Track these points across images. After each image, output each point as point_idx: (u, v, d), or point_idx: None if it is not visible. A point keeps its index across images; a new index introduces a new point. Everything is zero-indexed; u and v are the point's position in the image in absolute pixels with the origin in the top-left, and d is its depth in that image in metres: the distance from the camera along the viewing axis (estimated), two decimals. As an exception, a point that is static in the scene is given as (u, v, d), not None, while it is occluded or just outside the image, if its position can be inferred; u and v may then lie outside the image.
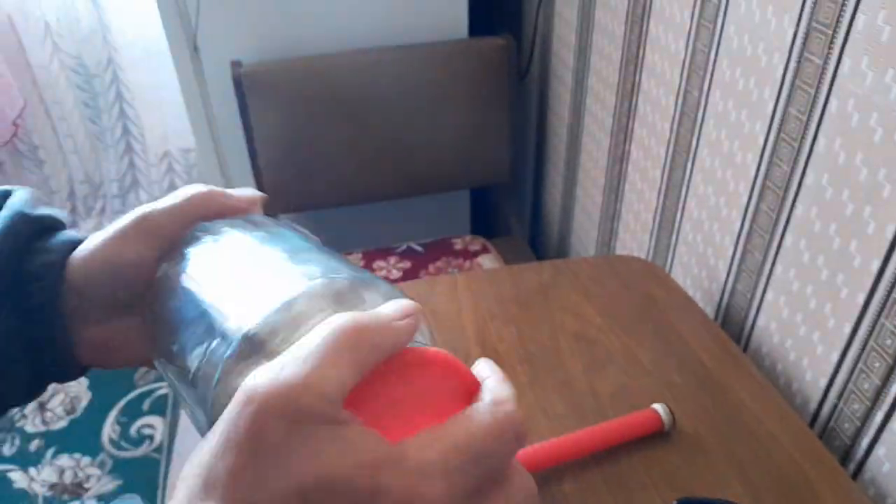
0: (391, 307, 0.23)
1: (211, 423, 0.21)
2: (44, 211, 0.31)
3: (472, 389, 0.24)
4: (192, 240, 0.29)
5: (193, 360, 0.24)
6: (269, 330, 0.22)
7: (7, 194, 0.31)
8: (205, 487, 0.19)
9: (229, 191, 0.32)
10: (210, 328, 0.24)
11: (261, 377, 0.20)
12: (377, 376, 0.21)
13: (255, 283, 0.25)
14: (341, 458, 0.19)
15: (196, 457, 0.20)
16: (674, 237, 0.92)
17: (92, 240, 0.30)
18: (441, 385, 0.23)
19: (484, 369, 0.25)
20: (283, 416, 0.19)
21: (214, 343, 0.23)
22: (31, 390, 0.31)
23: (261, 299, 0.23)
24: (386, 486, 0.19)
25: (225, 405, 0.20)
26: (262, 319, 0.22)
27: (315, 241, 0.30)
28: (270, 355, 0.21)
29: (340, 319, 0.21)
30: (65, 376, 0.31)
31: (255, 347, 0.22)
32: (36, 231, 0.30)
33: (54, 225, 0.32)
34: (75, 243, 0.31)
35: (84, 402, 1.49)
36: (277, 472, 0.19)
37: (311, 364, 0.20)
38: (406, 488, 0.20)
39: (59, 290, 0.29)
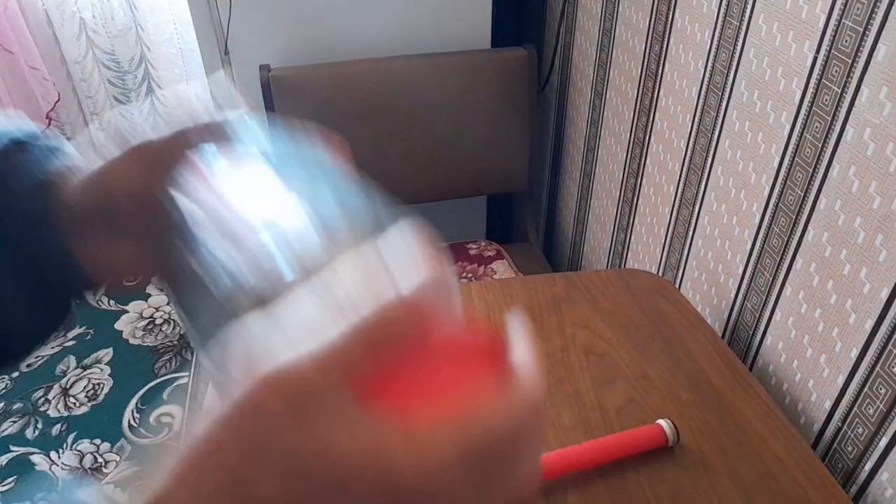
0: (414, 286, 0.22)
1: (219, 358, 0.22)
2: (34, 135, 0.32)
3: (492, 361, 0.23)
4: (199, 162, 0.30)
5: (215, 283, 0.24)
6: (286, 278, 0.23)
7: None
8: (202, 461, 0.19)
9: (224, 114, 0.32)
10: (222, 256, 0.24)
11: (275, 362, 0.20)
12: (396, 363, 0.21)
13: (261, 216, 0.25)
14: (348, 437, 0.19)
15: (198, 425, 0.20)
16: (685, 253, 0.93)
17: (88, 166, 0.31)
18: (458, 362, 0.23)
19: (514, 337, 0.24)
20: (282, 392, 0.19)
21: (230, 278, 0.23)
22: (47, 308, 0.31)
23: (275, 233, 0.23)
24: (397, 466, 0.19)
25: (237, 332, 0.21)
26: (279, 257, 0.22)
27: (325, 159, 0.31)
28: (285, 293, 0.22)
29: (362, 305, 0.21)
30: (68, 291, 0.31)
31: (272, 289, 0.23)
32: (25, 150, 0.31)
33: (44, 147, 0.32)
34: (66, 164, 0.31)
35: (106, 389, 1.54)
36: (271, 449, 0.19)
37: (325, 348, 0.20)
38: (418, 468, 0.19)
39: (53, 205, 0.30)
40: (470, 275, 1.18)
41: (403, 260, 0.23)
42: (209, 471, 0.19)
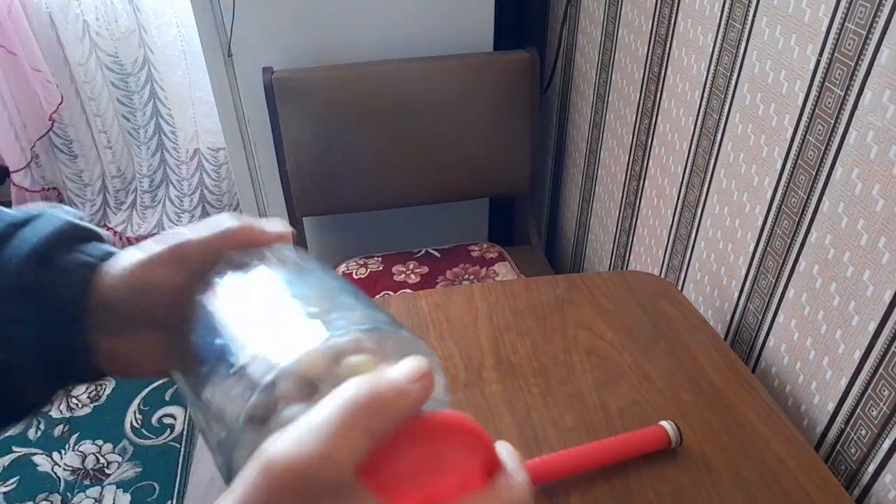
0: (405, 370, 0.23)
1: (228, 464, 0.22)
2: (89, 226, 0.33)
3: (486, 454, 0.24)
4: (224, 269, 0.31)
5: (217, 392, 0.25)
6: (290, 382, 0.23)
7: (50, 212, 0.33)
8: None
9: (262, 223, 0.33)
10: (234, 368, 0.25)
11: (278, 447, 0.21)
12: (391, 443, 0.22)
13: (279, 327, 0.26)
14: None
15: None
16: (688, 255, 0.93)
17: (126, 257, 0.32)
18: (454, 450, 0.24)
19: (502, 450, 0.25)
20: (298, 492, 0.20)
21: (238, 386, 0.24)
22: (48, 386, 0.31)
23: (284, 347, 0.24)
24: None
25: (244, 453, 0.21)
26: (282, 370, 0.23)
27: (338, 278, 0.32)
28: (289, 408, 0.23)
29: (355, 387, 0.22)
30: (80, 374, 0.32)
31: (275, 396, 0.23)
32: (80, 238, 0.32)
33: (96, 237, 0.33)
34: (110, 254, 0.32)
35: (108, 390, 1.54)
36: None
37: (325, 435, 0.21)
38: None
39: (86, 290, 0.30)
40: (472, 277, 1.18)
41: (399, 359, 0.24)
42: None
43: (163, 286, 0.31)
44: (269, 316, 0.27)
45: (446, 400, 0.27)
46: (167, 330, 0.31)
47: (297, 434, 0.21)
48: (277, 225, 0.33)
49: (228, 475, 0.24)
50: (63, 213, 0.32)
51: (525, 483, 0.25)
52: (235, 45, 1.17)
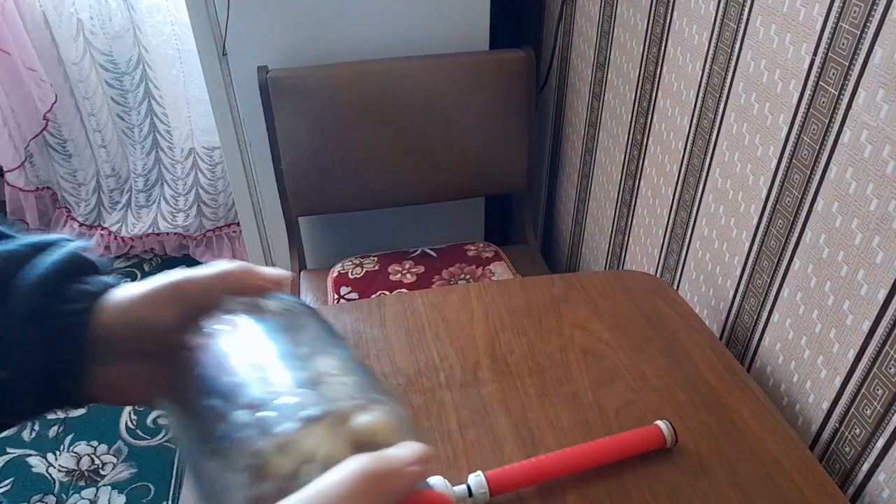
0: (406, 452, 0.25)
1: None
2: (92, 257, 0.34)
3: None
4: (222, 315, 0.31)
5: (214, 437, 0.26)
6: (282, 453, 0.24)
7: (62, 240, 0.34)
8: None
9: (261, 270, 0.34)
10: (226, 421, 0.26)
11: None
12: None
13: (270, 387, 0.27)
14: None
15: None
16: (683, 254, 0.93)
17: (126, 290, 0.33)
18: None
19: None
20: None
21: (249, 430, 0.25)
22: (34, 408, 0.32)
23: (276, 414, 0.25)
24: None
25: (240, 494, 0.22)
26: (276, 442, 0.24)
27: (331, 331, 0.32)
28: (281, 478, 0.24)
29: (359, 464, 0.23)
30: (73, 399, 0.33)
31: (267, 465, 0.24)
32: (84, 268, 0.33)
33: (100, 269, 0.35)
34: (109, 286, 0.33)
35: (103, 391, 1.53)
36: None
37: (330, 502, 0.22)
38: None
39: (87, 321, 0.31)
40: (468, 276, 1.18)
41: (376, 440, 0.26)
42: None
43: (159, 323, 0.32)
44: (264, 372, 0.28)
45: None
46: (160, 363, 0.31)
47: (306, 499, 0.22)
48: (277, 272, 0.34)
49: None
50: (73, 244, 0.34)
51: None
52: (230, 44, 1.17)
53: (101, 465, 1.37)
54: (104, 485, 1.33)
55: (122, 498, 1.31)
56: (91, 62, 1.73)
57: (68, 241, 0.34)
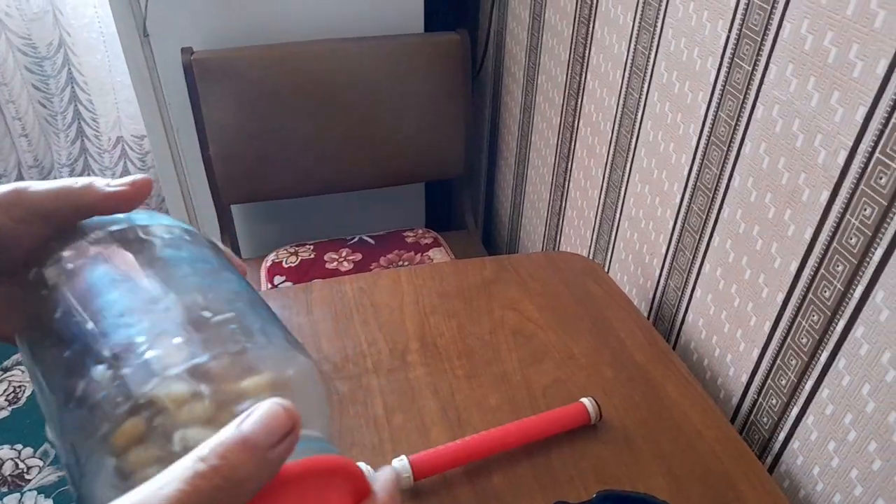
0: (265, 432, 0.20)
1: (77, 458, 0.21)
2: None
3: (355, 483, 0.24)
4: (87, 246, 0.28)
5: (78, 385, 0.23)
6: (148, 401, 0.22)
7: None
8: None
9: (105, 182, 0.30)
10: (105, 367, 0.23)
11: None
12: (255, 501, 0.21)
13: (138, 336, 0.24)
14: None
15: None
16: (613, 235, 0.94)
17: None
18: (321, 491, 0.22)
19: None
20: None
21: (110, 389, 0.22)
22: None
23: (142, 371, 0.22)
24: None
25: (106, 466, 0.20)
26: (142, 403, 0.22)
27: (222, 263, 0.30)
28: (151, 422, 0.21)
29: (198, 466, 0.19)
30: None
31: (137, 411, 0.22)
32: None
33: None
34: None
35: (27, 392, 1.46)
36: None
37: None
38: None
39: None
40: (406, 263, 1.17)
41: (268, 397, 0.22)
42: None
43: (4, 231, 0.28)
44: (129, 310, 0.25)
45: (327, 411, 0.26)
46: (11, 286, 0.28)
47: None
48: (132, 178, 0.30)
49: (72, 462, 0.22)
50: None
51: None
52: (152, 25, 1.11)
53: (25, 470, 1.30)
54: (30, 489, 1.27)
55: (49, 502, 1.25)
56: (7, 45, 1.63)
57: None
